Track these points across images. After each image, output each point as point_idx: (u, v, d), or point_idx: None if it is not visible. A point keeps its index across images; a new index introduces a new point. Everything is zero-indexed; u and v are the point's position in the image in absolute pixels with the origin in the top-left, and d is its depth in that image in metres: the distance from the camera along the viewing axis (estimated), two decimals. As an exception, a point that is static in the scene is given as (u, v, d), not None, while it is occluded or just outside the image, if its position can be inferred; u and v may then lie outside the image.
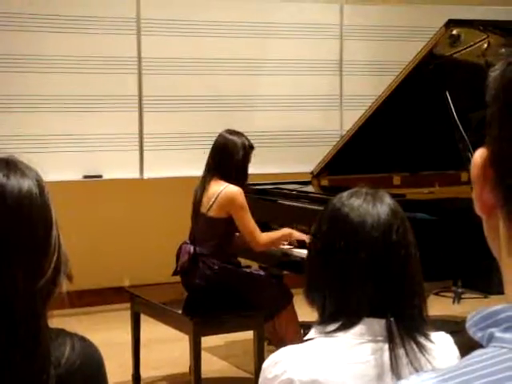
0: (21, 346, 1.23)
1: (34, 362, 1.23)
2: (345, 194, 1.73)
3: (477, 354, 0.71)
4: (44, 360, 1.24)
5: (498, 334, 0.71)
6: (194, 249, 4.28)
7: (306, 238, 4.21)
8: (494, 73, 0.76)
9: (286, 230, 4.35)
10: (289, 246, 4.35)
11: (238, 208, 4.20)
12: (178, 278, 4.43)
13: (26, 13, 5.69)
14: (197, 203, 4.34)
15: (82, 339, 1.33)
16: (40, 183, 1.34)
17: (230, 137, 4.34)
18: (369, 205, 1.68)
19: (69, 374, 1.27)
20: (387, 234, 1.66)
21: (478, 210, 0.79)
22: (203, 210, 4.29)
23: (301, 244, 4.26)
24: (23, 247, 1.27)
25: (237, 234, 4.37)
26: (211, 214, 4.25)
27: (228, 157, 4.29)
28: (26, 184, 1.31)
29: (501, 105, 0.74)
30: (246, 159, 4.33)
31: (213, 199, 4.23)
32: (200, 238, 4.32)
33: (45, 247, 1.30)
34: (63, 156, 5.80)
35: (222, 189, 4.23)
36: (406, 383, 0.72)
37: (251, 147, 4.38)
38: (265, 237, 4.28)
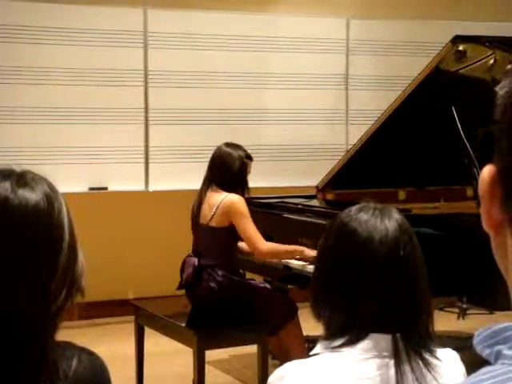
0: (27, 361, 1.21)
1: (41, 379, 1.22)
2: (353, 209, 1.72)
3: (484, 371, 0.70)
4: (51, 375, 1.23)
5: (505, 352, 0.71)
6: (199, 261, 4.28)
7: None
8: (502, 89, 0.76)
9: (297, 247, 4.28)
10: (298, 262, 4.30)
11: (239, 215, 4.20)
12: (182, 291, 4.42)
13: (35, 26, 5.73)
14: (195, 216, 4.35)
15: (89, 353, 1.32)
16: (50, 199, 1.27)
17: (226, 149, 4.36)
18: (377, 220, 1.68)
19: (75, 387, 1.26)
20: (395, 249, 1.65)
21: (485, 226, 0.78)
22: (204, 220, 4.29)
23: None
24: (28, 265, 1.23)
25: (240, 243, 4.37)
26: (213, 224, 4.26)
27: (224, 168, 4.31)
28: (34, 199, 1.25)
29: (509, 121, 0.74)
30: (242, 170, 4.34)
31: (214, 209, 4.24)
32: (204, 250, 4.31)
33: (52, 267, 1.25)
34: (69, 168, 5.81)
35: (222, 198, 4.24)
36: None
37: (249, 158, 4.39)
38: (269, 245, 4.26)
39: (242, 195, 4.30)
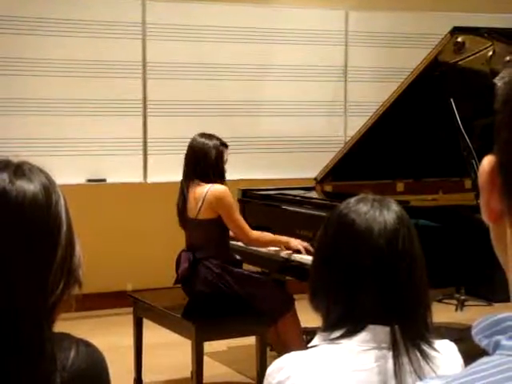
0: (25, 353, 1.21)
1: (38, 372, 1.21)
2: (352, 200, 1.72)
3: (483, 361, 0.70)
4: (48, 369, 1.22)
5: (504, 342, 0.71)
6: (193, 255, 4.28)
7: (301, 248, 4.22)
8: (502, 80, 0.76)
9: (283, 238, 4.35)
10: (289, 252, 4.33)
11: (225, 206, 4.21)
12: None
13: (35, 17, 5.72)
14: (181, 211, 4.36)
15: (87, 344, 1.32)
16: (47, 190, 1.27)
17: (200, 139, 4.35)
18: (376, 211, 1.68)
19: (73, 378, 1.25)
20: (393, 241, 1.65)
21: (485, 217, 0.78)
22: (192, 215, 4.29)
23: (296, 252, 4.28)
24: (25, 256, 1.22)
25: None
26: (202, 216, 4.26)
27: (201, 159, 4.29)
28: (31, 191, 1.25)
29: (510, 111, 0.74)
30: (219, 158, 4.32)
31: (200, 202, 4.23)
32: (197, 244, 4.31)
33: (49, 258, 1.25)
34: (67, 159, 5.80)
35: (206, 190, 4.23)
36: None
37: (224, 145, 4.36)
38: (256, 233, 4.31)
39: (222, 184, 4.30)
